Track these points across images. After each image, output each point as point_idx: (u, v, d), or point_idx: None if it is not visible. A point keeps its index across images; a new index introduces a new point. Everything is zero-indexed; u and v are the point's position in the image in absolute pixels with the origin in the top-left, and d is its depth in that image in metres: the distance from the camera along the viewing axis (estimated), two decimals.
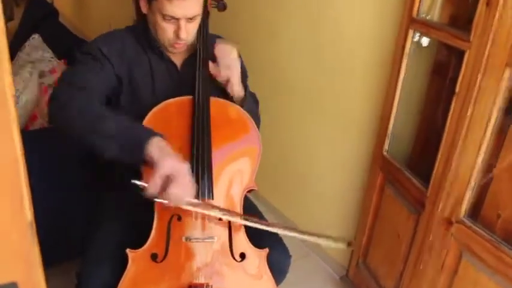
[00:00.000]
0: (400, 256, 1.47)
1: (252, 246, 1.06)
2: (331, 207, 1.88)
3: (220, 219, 1.03)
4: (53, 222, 1.51)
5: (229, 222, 1.04)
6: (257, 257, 1.05)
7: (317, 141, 1.89)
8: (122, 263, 1.00)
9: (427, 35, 1.34)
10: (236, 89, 1.16)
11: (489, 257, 1.15)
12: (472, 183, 1.20)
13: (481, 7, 1.10)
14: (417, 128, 1.49)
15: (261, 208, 1.33)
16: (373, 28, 1.51)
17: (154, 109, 1.08)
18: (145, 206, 1.01)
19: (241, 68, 1.19)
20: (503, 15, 1.06)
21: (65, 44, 2.24)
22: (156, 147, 0.89)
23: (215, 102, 1.14)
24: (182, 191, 0.90)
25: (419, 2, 1.31)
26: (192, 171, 0.97)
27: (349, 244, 1.05)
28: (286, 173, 2.11)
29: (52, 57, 2.23)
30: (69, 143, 1.05)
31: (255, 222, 1.04)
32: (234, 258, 1.05)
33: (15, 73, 1.96)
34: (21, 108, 1.89)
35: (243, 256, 1.05)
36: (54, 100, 1.00)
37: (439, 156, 1.28)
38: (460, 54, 1.19)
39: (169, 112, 1.10)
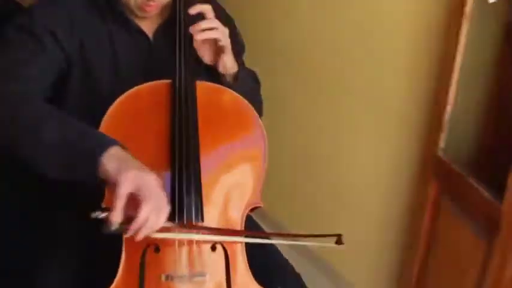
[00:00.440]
0: None
1: (257, 285, 0.99)
2: (368, 229, 1.78)
3: (214, 246, 0.96)
4: None
5: (226, 252, 0.97)
6: None
7: (345, 142, 1.81)
8: None
9: None
10: (229, 65, 1.09)
11: None
12: None
13: None
14: (485, 116, 1.43)
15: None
16: None
17: (119, 100, 1.00)
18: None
19: (237, 40, 1.16)
20: None
21: None
22: (112, 161, 0.86)
23: (203, 87, 1.07)
24: (155, 212, 0.84)
25: None
26: (174, 185, 0.94)
27: (338, 241, 1.00)
28: (304, 184, 2.02)
29: None
30: None
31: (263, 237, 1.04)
32: None
33: None
34: None
35: None
36: None
37: None
38: None
39: (140, 103, 1.03)
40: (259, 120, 1.07)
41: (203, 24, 1.04)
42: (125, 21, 1.10)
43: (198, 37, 1.05)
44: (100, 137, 0.91)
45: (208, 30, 1.05)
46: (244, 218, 1.01)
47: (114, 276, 0.92)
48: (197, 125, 1.01)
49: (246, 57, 1.28)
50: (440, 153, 1.45)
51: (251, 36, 1.37)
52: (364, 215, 1.83)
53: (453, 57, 1.33)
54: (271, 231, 1.81)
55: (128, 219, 0.84)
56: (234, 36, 1.15)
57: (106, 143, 0.88)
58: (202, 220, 0.94)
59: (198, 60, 1.11)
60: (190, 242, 0.94)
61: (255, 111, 1.06)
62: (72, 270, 1.02)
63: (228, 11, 1.27)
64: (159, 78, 1.05)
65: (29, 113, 0.92)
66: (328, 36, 1.83)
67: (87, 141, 0.89)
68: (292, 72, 1.99)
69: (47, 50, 1.03)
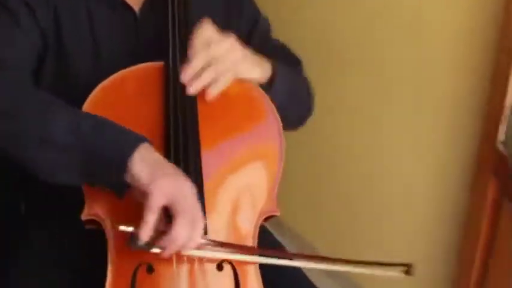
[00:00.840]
0: None
1: None
2: (414, 240, 1.70)
3: (220, 264, 0.87)
4: None
5: (236, 272, 0.88)
6: None
7: (384, 136, 1.75)
8: None
9: None
10: (254, 75, 0.97)
11: None
12: None
13: None
14: None
15: (288, 245, 1.28)
16: None
17: (101, 86, 0.93)
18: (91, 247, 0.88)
19: (258, 20, 1.09)
20: None
21: None
22: (144, 164, 0.79)
23: None
24: (190, 227, 0.79)
25: None
26: None
27: (407, 271, 0.96)
28: (330, 186, 1.97)
29: None
30: None
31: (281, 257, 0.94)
32: None
33: None
34: None
35: None
36: None
37: None
38: None
39: (126, 90, 0.95)
40: (273, 107, 0.96)
41: (189, 69, 0.89)
42: None
43: (192, 91, 0.91)
44: (124, 132, 0.83)
45: (203, 73, 0.90)
46: (257, 230, 0.92)
47: None
48: (197, 115, 0.91)
49: None
50: (500, 146, 1.38)
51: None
52: (408, 223, 1.74)
53: None
54: (289, 244, 1.73)
55: (158, 233, 0.80)
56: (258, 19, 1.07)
57: (134, 140, 0.80)
58: (205, 233, 0.85)
59: None
60: (190, 260, 0.85)
61: (268, 98, 0.96)
62: None
63: None
64: (148, 61, 0.96)
65: (31, 105, 0.85)
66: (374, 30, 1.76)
67: (107, 137, 0.81)
68: (316, 56, 1.85)
69: (23, 27, 0.95)
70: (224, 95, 0.97)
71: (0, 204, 1.18)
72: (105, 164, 0.80)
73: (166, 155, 0.88)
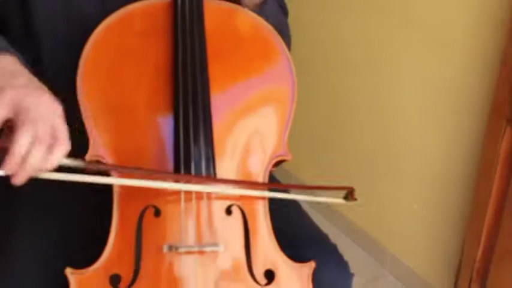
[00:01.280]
0: None
1: (286, 257, 0.90)
2: (429, 184, 1.70)
3: (229, 208, 0.88)
4: None
5: (245, 215, 0.89)
6: (295, 277, 0.91)
7: (395, 82, 1.75)
8: None
9: None
10: None
11: None
12: None
13: None
14: None
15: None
16: None
17: (104, 23, 0.90)
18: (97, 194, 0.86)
19: None
20: None
21: None
22: None
23: (213, 7, 0.96)
24: (42, 144, 0.71)
25: None
26: (178, 131, 0.86)
27: (346, 196, 0.98)
28: (341, 142, 1.97)
29: None
30: None
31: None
32: (255, 280, 0.88)
33: None
34: None
35: (270, 276, 0.89)
36: None
37: None
38: None
39: (132, 27, 0.93)
40: (286, 49, 0.95)
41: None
42: None
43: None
44: None
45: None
46: (267, 174, 0.92)
47: (104, 246, 0.84)
48: (206, 55, 0.90)
49: None
50: None
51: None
52: (422, 171, 1.73)
53: None
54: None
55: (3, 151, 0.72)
56: None
57: None
58: (215, 174, 0.87)
59: None
60: (199, 203, 0.85)
61: (280, 38, 0.94)
62: (49, 244, 0.92)
63: None
64: None
65: None
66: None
67: None
68: None
69: None
70: (235, 33, 0.97)
71: None
72: None
73: (175, 95, 0.88)
